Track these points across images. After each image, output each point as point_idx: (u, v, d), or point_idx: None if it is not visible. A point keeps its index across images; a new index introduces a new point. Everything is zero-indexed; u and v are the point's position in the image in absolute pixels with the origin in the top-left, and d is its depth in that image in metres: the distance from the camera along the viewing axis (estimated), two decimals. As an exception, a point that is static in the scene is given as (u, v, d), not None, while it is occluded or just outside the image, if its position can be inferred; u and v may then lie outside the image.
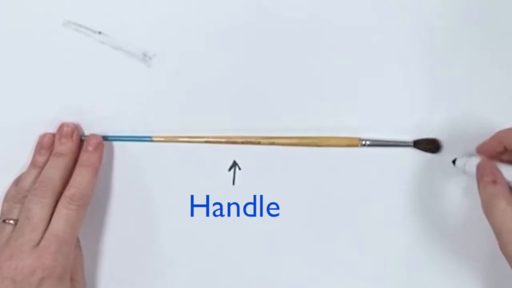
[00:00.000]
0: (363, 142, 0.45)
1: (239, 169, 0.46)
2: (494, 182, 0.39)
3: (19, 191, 0.43)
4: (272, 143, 0.45)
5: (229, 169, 0.46)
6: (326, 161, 0.45)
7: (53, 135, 0.45)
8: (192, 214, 0.47)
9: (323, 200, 0.46)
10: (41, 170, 0.44)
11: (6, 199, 0.44)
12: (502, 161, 0.40)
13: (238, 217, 0.47)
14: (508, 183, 0.39)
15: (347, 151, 0.45)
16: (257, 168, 0.46)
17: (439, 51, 0.45)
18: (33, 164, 0.45)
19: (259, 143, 0.45)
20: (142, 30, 0.46)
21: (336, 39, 0.45)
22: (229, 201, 0.46)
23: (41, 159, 0.44)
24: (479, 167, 0.40)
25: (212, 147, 0.46)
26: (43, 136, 0.45)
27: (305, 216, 0.46)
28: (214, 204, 0.46)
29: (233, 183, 0.46)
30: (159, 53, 0.46)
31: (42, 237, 0.41)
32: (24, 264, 0.40)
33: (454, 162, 0.43)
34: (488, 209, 0.38)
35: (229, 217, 0.47)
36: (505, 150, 0.40)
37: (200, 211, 0.47)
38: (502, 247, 0.38)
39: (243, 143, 0.46)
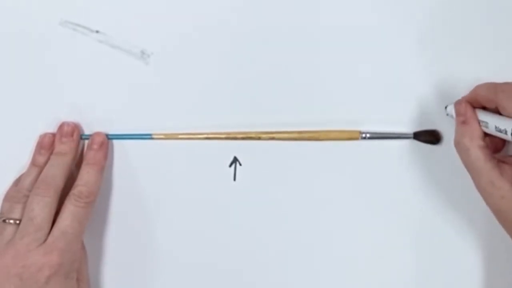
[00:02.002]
0: (363, 135, 0.45)
1: (240, 165, 0.46)
2: (464, 122, 0.40)
3: (20, 190, 0.43)
4: (272, 138, 0.45)
5: (230, 165, 0.46)
6: (327, 155, 0.45)
7: (53, 135, 0.45)
8: (193, 213, 0.47)
9: (324, 193, 0.46)
10: (41, 169, 0.44)
11: (6, 198, 0.44)
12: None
13: (239, 215, 0.46)
14: (482, 124, 0.40)
15: (348, 144, 0.45)
16: (258, 163, 0.46)
17: (438, 43, 0.45)
18: (33, 163, 0.45)
19: (259, 139, 0.45)
20: (140, 28, 0.46)
21: (335, 33, 0.45)
22: (230, 198, 0.46)
23: (41, 158, 0.44)
24: (455, 106, 0.42)
25: (212, 144, 0.46)
26: (43, 136, 0.45)
27: (306, 210, 0.46)
28: (215, 201, 0.46)
29: (234, 179, 0.46)
30: (157, 51, 0.46)
31: (47, 236, 0.41)
32: (32, 262, 0.40)
33: (446, 108, 0.44)
34: (456, 148, 0.41)
35: (229, 216, 0.47)
36: (482, 106, 0.41)
37: (200, 210, 0.47)
38: (473, 181, 0.40)
39: (243, 138, 0.46)
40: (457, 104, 0.42)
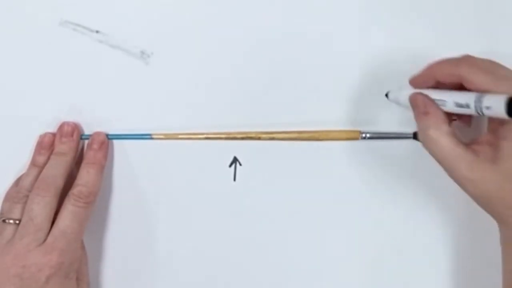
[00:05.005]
0: (363, 135, 0.45)
1: (240, 165, 0.46)
2: (426, 113, 0.38)
3: (20, 190, 0.43)
4: (272, 138, 0.45)
5: (230, 165, 0.46)
6: (327, 155, 0.45)
7: (53, 135, 0.45)
8: (193, 213, 0.47)
9: (324, 193, 0.46)
10: (41, 169, 0.44)
11: (6, 198, 0.44)
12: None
13: (239, 215, 0.47)
14: (440, 104, 0.38)
15: (348, 144, 0.45)
16: (258, 163, 0.46)
17: (437, 44, 0.45)
18: (33, 163, 0.45)
19: (259, 139, 0.45)
20: (140, 28, 0.46)
21: (335, 33, 0.45)
22: (230, 198, 0.46)
23: (41, 159, 0.44)
24: (411, 100, 0.40)
25: (212, 144, 0.46)
26: (43, 136, 0.45)
27: (307, 211, 0.46)
28: (215, 202, 0.46)
29: (234, 179, 0.46)
30: (157, 51, 0.46)
31: (47, 236, 0.41)
32: (32, 262, 0.40)
33: (387, 95, 0.43)
34: (423, 140, 0.39)
35: (229, 216, 0.47)
36: (438, 83, 0.39)
37: (200, 210, 0.47)
38: (448, 173, 0.38)
39: (243, 138, 0.46)
40: (414, 96, 0.40)
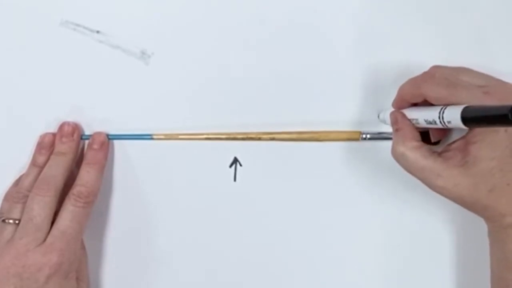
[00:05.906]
0: (364, 136, 0.45)
1: (240, 165, 0.46)
2: (397, 130, 0.40)
3: (19, 190, 0.43)
4: (273, 139, 0.45)
5: (230, 166, 0.46)
6: (327, 156, 0.45)
7: (54, 135, 0.45)
8: (193, 212, 0.47)
9: (325, 194, 0.46)
10: (41, 169, 0.44)
11: (6, 198, 0.44)
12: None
13: (239, 215, 0.46)
14: (413, 123, 0.40)
15: (348, 144, 0.45)
16: (258, 164, 0.46)
17: (437, 44, 0.45)
18: (33, 163, 0.45)
19: (259, 139, 0.45)
20: (140, 28, 0.46)
21: (335, 34, 0.45)
22: (230, 198, 0.46)
23: (41, 159, 0.44)
24: (390, 118, 0.42)
25: (212, 144, 0.46)
26: (43, 136, 0.45)
27: (307, 211, 0.46)
28: (215, 202, 0.46)
29: (235, 180, 0.46)
30: (157, 51, 0.46)
31: (47, 236, 0.41)
32: (32, 262, 0.40)
33: (378, 116, 0.45)
34: (394, 156, 0.40)
35: (229, 217, 0.47)
36: (412, 103, 0.41)
37: (201, 210, 0.47)
38: (424, 184, 0.39)
39: (243, 139, 0.46)
40: (391, 114, 0.42)
